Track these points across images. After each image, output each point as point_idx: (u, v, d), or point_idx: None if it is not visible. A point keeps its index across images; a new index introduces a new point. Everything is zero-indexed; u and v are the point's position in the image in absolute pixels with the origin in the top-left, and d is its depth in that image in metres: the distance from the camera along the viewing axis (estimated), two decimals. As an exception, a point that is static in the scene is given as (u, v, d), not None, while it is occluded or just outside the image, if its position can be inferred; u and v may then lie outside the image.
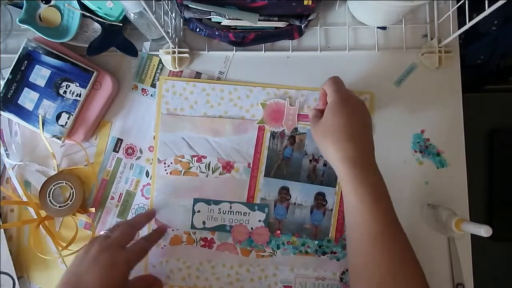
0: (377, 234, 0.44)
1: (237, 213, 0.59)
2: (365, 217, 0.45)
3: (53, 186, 0.58)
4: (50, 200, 0.57)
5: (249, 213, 0.59)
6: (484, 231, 0.45)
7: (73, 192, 0.58)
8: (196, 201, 0.59)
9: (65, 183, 0.58)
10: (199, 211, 0.59)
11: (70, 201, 0.58)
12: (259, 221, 0.59)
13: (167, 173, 0.59)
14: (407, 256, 0.45)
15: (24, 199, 0.59)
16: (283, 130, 0.60)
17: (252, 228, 0.59)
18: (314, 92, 0.60)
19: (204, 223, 0.59)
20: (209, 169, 0.59)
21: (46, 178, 0.58)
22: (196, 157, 0.59)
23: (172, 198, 0.59)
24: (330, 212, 0.58)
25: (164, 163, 0.59)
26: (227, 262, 0.58)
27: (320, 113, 0.53)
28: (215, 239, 0.59)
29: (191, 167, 0.59)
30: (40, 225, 0.58)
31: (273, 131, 0.60)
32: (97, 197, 0.60)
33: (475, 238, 0.52)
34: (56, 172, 0.59)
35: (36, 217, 0.58)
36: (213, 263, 0.58)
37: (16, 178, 0.59)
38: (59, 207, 0.57)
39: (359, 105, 0.50)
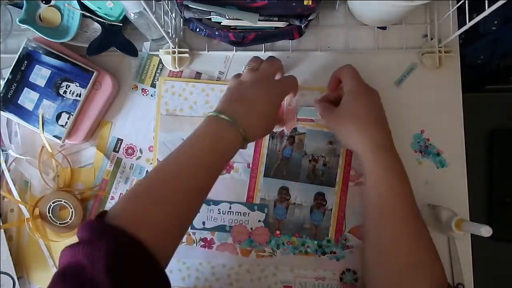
0: (404, 218, 0.46)
1: (236, 213, 0.59)
2: (394, 203, 0.47)
3: (53, 203, 0.58)
4: (50, 216, 0.58)
5: (248, 213, 0.59)
6: (484, 231, 0.45)
7: (72, 211, 0.58)
8: (196, 201, 0.59)
9: (64, 201, 0.58)
10: (198, 212, 0.59)
11: (70, 220, 0.58)
12: (259, 221, 0.59)
13: (167, 173, 0.59)
14: (429, 242, 0.46)
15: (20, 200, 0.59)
16: (283, 130, 0.60)
17: (251, 228, 0.59)
18: (314, 92, 0.60)
19: (203, 223, 0.59)
20: (208, 169, 0.59)
21: (43, 196, 0.58)
22: (196, 157, 0.59)
23: (172, 198, 0.59)
24: (329, 212, 0.58)
25: (164, 163, 0.59)
26: (227, 262, 0.58)
27: (329, 102, 0.54)
28: (215, 239, 0.59)
29: (191, 167, 0.59)
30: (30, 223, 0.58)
31: (273, 131, 0.60)
32: (97, 197, 0.60)
33: (475, 238, 0.52)
34: (53, 188, 0.59)
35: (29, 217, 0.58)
36: (213, 264, 0.58)
37: (11, 178, 0.59)
38: (59, 224, 0.58)
39: (376, 93, 0.52)
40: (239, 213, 0.59)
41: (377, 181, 0.48)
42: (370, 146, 0.48)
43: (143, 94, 0.61)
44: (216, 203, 0.59)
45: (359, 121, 0.49)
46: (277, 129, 0.59)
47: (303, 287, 0.58)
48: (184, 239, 0.59)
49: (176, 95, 0.60)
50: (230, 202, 0.59)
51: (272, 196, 0.59)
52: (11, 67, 0.57)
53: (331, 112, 0.52)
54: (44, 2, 0.58)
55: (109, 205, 0.60)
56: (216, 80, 0.61)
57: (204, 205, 0.59)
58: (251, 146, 0.59)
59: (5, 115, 0.57)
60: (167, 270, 0.57)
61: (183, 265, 0.58)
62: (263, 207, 0.59)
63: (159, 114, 0.60)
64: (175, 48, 0.59)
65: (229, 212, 0.59)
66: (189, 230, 0.59)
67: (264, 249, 0.58)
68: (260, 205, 0.59)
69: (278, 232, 0.58)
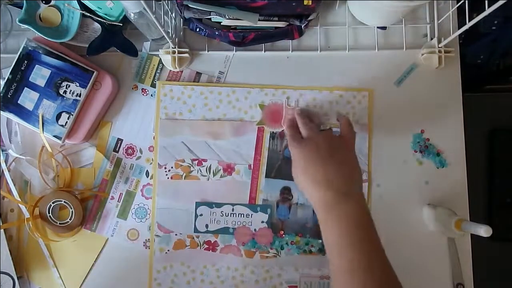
0: (344, 271, 0.44)
1: (239, 215, 0.59)
2: (332, 256, 0.46)
3: (53, 203, 0.58)
4: (50, 216, 0.58)
5: (251, 214, 0.59)
6: (484, 231, 0.45)
7: (72, 211, 0.58)
8: (198, 204, 0.59)
9: (64, 201, 0.58)
10: (201, 215, 0.59)
11: (70, 220, 0.58)
12: (262, 222, 0.59)
13: (168, 178, 0.59)
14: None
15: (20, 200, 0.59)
16: (283, 130, 0.60)
17: (255, 230, 0.59)
18: (312, 91, 0.60)
19: (207, 226, 0.59)
20: (210, 172, 0.59)
21: (43, 196, 0.58)
22: (197, 161, 0.59)
23: (174, 203, 0.59)
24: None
25: (165, 168, 0.59)
26: (231, 264, 0.58)
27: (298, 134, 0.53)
28: (219, 241, 0.59)
29: (192, 171, 0.59)
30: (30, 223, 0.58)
31: (273, 132, 0.60)
32: (97, 197, 0.60)
33: (475, 238, 0.52)
34: (53, 188, 0.59)
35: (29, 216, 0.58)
36: (218, 266, 0.58)
37: (11, 178, 0.59)
38: (59, 224, 0.58)
39: (324, 148, 0.49)
40: (242, 215, 0.59)
41: (323, 235, 0.48)
42: (315, 205, 0.48)
43: (143, 94, 0.61)
44: (219, 205, 0.59)
45: (305, 181, 0.49)
46: (277, 129, 0.59)
47: (308, 287, 0.58)
48: (188, 243, 0.59)
49: (175, 99, 0.60)
50: (233, 204, 0.59)
51: (274, 196, 0.59)
52: (11, 67, 0.57)
53: (293, 161, 0.51)
54: (44, 2, 0.58)
55: (109, 205, 0.60)
56: (216, 82, 0.61)
57: (206, 208, 0.59)
58: (251, 147, 0.59)
59: (5, 115, 0.57)
60: (171, 275, 0.57)
61: (188, 268, 0.58)
62: (265, 208, 0.59)
63: (159, 119, 0.60)
64: (175, 48, 0.59)
65: (232, 214, 0.59)
66: (193, 234, 0.59)
67: (268, 250, 0.58)
68: (262, 206, 0.59)
69: (281, 232, 0.58)
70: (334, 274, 0.45)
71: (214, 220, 0.59)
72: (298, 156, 0.50)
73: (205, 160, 0.59)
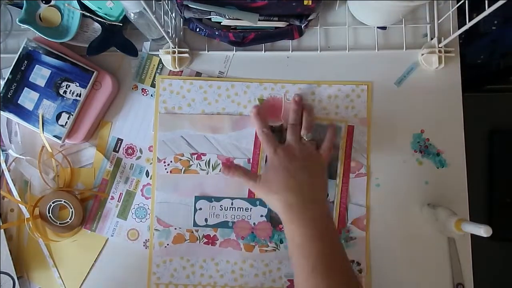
0: (309, 271, 0.46)
1: (238, 209, 0.59)
2: (297, 255, 0.48)
3: (53, 203, 0.58)
4: (50, 216, 0.58)
5: (250, 208, 0.59)
6: (484, 231, 0.45)
7: (72, 211, 0.58)
8: (197, 198, 0.59)
9: (64, 201, 0.58)
10: (200, 209, 0.59)
11: (70, 220, 0.58)
12: (261, 216, 0.59)
13: (167, 172, 0.59)
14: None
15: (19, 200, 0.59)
16: (281, 124, 0.59)
17: (254, 224, 0.59)
18: (311, 86, 0.60)
19: (206, 220, 0.59)
20: (209, 166, 0.59)
21: (43, 196, 0.58)
22: (196, 155, 0.60)
23: (173, 197, 0.59)
24: (331, 205, 0.58)
25: (164, 162, 0.59)
26: (230, 258, 0.58)
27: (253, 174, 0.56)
28: (218, 235, 0.59)
29: (191, 165, 0.59)
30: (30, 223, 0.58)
31: (271, 126, 0.59)
32: (97, 197, 0.60)
33: (475, 238, 0.52)
34: (53, 188, 0.59)
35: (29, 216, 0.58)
36: (217, 260, 0.58)
37: (11, 178, 0.59)
38: (59, 224, 0.58)
39: (299, 158, 0.53)
40: (241, 209, 0.59)
41: (287, 237, 0.50)
42: (281, 208, 0.50)
43: (143, 94, 0.61)
44: (218, 199, 0.59)
45: (273, 186, 0.52)
46: (275, 123, 0.59)
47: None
48: (187, 237, 0.59)
49: (174, 93, 0.60)
50: (232, 198, 0.59)
51: (273, 190, 0.59)
52: (11, 67, 0.57)
53: (255, 183, 0.54)
54: (44, 2, 0.58)
55: (109, 205, 0.60)
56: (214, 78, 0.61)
57: (206, 202, 0.59)
58: (250, 141, 0.59)
59: (5, 115, 0.57)
60: (171, 269, 0.58)
61: (187, 262, 0.58)
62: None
63: (158, 113, 0.60)
64: (175, 48, 0.59)
65: (231, 208, 0.59)
66: (192, 228, 0.59)
67: (268, 244, 0.58)
68: (261, 200, 0.59)
69: (280, 226, 0.58)
70: (298, 273, 0.47)
71: (213, 214, 0.59)
72: (271, 162, 0.54)
73: (204, 154, 0.59)
